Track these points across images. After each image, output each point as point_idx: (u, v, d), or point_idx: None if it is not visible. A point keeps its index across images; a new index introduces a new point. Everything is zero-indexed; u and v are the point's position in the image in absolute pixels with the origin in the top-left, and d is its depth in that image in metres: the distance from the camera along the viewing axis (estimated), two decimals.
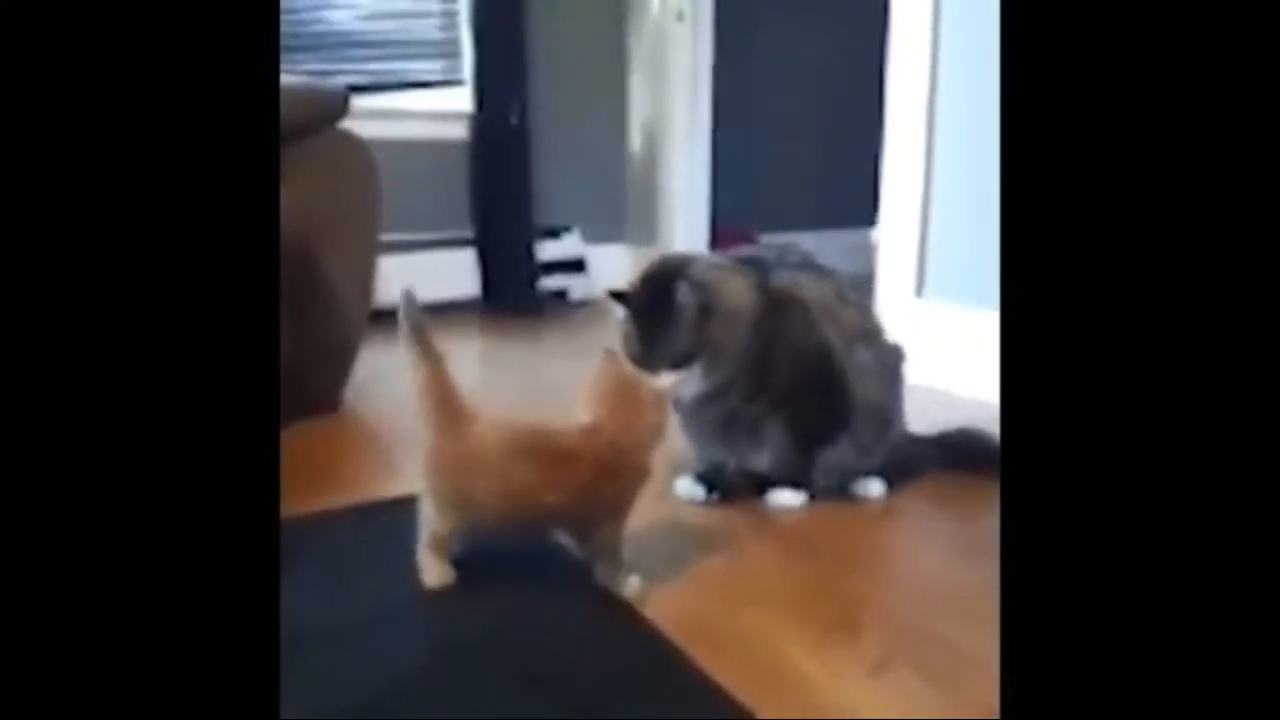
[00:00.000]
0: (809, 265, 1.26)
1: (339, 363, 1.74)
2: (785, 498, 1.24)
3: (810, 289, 1.22)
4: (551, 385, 1.96)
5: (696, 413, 1.20)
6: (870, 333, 1.26)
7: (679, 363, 1.15)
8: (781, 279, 1.21)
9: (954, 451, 1.35)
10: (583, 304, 2.97)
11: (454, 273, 2.80)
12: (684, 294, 1.13)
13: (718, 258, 1.26)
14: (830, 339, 1.20)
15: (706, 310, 1.14)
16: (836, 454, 1.23)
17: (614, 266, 3.08)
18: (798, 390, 1.19)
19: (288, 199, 1.29)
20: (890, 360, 1.27)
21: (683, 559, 1.07)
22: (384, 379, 1.93)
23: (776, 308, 1.19)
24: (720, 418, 1.21)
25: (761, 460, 1.24)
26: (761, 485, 1.25)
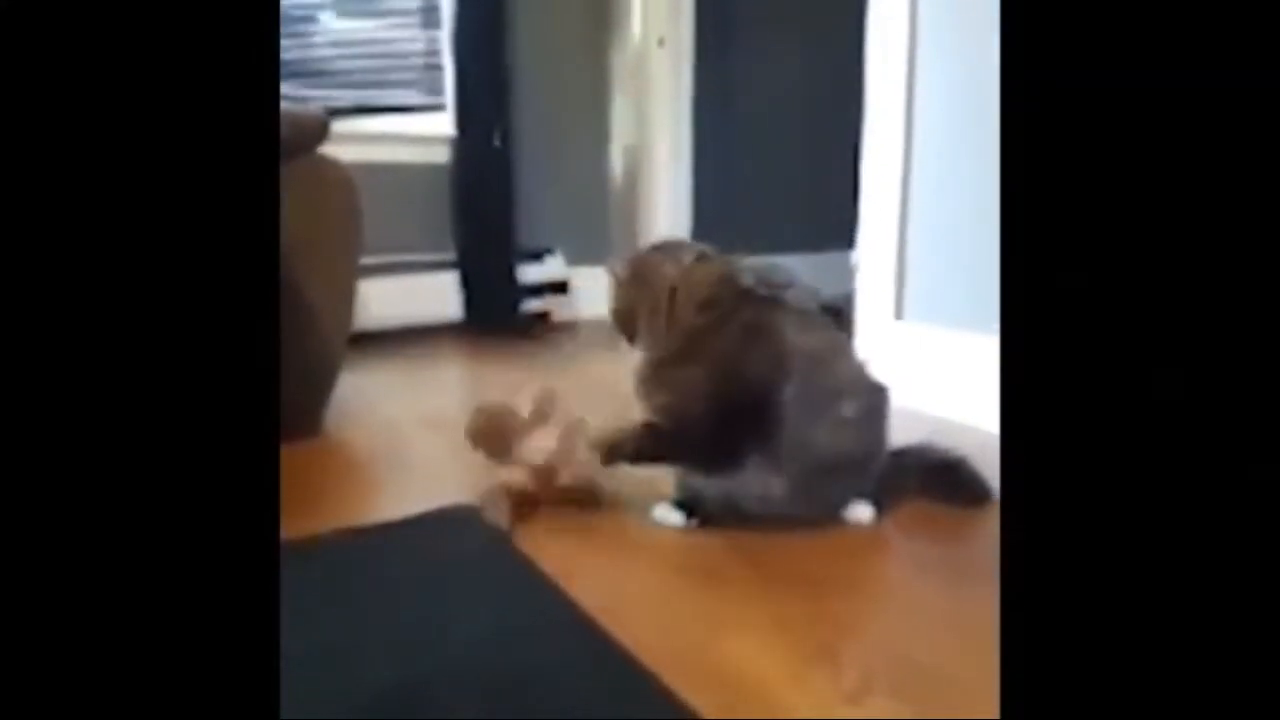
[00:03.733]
0: (809, 309, 1.24)
1: (319, 386, 1.73)
2: (671, 517, 1.24)
3: (794, 325, 1.20)
4: None
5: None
6: (859, 383, 1.23)
7: (619, 325, 1.31)
8: (762, 290, 1.20)
9: (920, 465, 1.34)
10: (565, 326, 2.97)
11: (436, 296, 2.81)
12: (612, 261, 1.30)
13: (704, 247, 1.29)
14: (774, 372, 1.17)
15: (639, 278, 1.27)
16: (746, 486, 1.21)
17: (596, 288, 3.08)
18: (714, 394, 1.18)
19: None
20: (876, 404, 1.24)
21: (660, 585, 1.07)
22: (365, 402, 1.93)
23: (740, 307, 1.19)
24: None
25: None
26: (739, 512, 1.22)
